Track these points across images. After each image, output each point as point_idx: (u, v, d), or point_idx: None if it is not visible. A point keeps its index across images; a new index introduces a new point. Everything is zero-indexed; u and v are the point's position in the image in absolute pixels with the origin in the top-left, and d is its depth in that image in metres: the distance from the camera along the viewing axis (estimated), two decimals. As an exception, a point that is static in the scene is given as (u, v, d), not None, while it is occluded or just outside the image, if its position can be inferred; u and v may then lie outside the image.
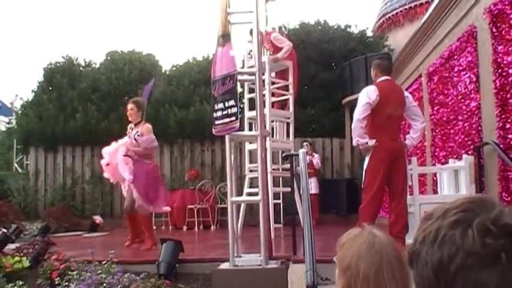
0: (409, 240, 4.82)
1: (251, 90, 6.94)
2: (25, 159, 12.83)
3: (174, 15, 47.28)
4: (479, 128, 5.47)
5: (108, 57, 12.79)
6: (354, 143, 4.90)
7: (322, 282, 3.37)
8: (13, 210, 9.98)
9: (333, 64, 11.86)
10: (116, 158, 6.10)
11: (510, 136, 4.82)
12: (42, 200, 11.56)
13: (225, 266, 4.55)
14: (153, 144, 6.19)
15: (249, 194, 6.75)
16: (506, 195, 4.85)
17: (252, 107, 6.15)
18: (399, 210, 4.72)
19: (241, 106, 7.07)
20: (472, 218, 0.77)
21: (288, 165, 6.56)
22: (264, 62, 6.11)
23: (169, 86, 11.75)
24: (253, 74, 4.78)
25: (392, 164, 4.72)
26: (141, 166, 6.03)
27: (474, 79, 5.59)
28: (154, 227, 7.73)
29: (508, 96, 4.84)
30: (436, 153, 6.96)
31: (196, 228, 9.58)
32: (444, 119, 6.62)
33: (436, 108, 6.95)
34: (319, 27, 12.52)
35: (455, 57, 6.17)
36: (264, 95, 5.77)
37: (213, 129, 4.60)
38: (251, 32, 6.69)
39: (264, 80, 6.21)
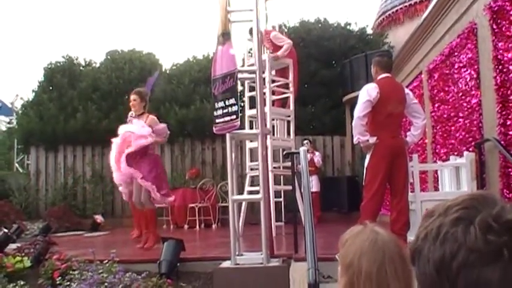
0: (410, 237, 4.82)
1: (251, 89, 6.93)
2: (26, 159, 12.84)
3: (174, 14, 47.26)
4: (480, 124, 5.47)
5: (108, 57, 12.79)
6: (355, 140, 4.89)
7: (324, 280, 3.37)
8: (14, 210, 9.99)
9: (333, 62, 11.84)
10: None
11: (511, 132, 4.81)
12: (43, 199, 11.56)
13: (226, 264, 4.55)
14: (167, 131, 6.32)
15: (250, 192, 6.75)
16: (508, 191, 4.84)
17: (252, 105, 6.15)
18: (400, 208, 4.71)
19: (242, 104, 7.06)
20: (474, 215, 0.77)
21: (288, 163, 6.56)
22: (264, 60, 6.10)
23: (169, 84, 11.74)
24: (253, 72, 4.77)
25: (393, 162, 4.72)
26: (149, 159, 6.02)
27: (475, 76, 5.58)
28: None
29: (509, 92, 4.83)
30: (437, 150, 6.96)
31: (197, 227, 9.58)
32: (445, 116, 6.61)
33: (436, 105, 6.95)
34: (319, 25, 12.50)
35: (456, 54, 6.16)
36: (264, 93, 5.77)
37: (213, 128, 4.59)
38: (251, 32, 6.68)
39: (264, 78, 6.20)
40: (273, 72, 7.59)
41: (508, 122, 4.84)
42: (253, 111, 5.72)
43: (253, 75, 4.78)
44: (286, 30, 11.02)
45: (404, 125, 6.72)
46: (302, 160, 4.74)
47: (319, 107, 11.55)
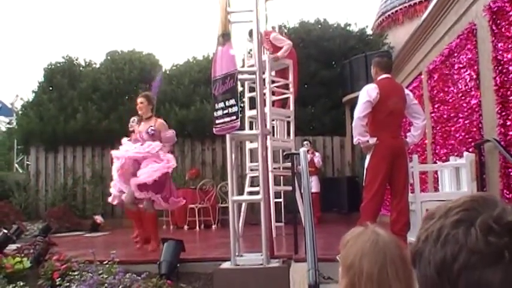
0: (410, 238, 4.82)
1: (251, 89, 6.93)
2: (26, 160, 12.84)
3: (174, 14, 47.27)
4: (480, 125, 5.47)
5: (108, 57, 12.79)
6: (355, 141, 4.89)
7: (324, 281, 3.37)
8: (14, 211, 9.99)
9: (333, 62, 11.85)
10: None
11: (511, 133, 4.81)
12: (43, 200, 11.57)
13: (226, 265, 4.55)
14: (175, 139, 6.39)
15: (250, 193, 6.75)
16: (508, 192, 4.84)
17: (252, 106, 6.15)
18: (400, 208, 4.71)
19: (242, 105, 7.06)
20: (475, 216, 0.77)
21: (288, 164, 6.56)
22: (264, 60, 6.10)
23: (169, 85, 11.75)
24: (253, 73, 4.77)
25: (393, 162, 4.72)
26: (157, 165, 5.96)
27: (474, 76, 5.58)
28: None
29: (509, 93, 4.83)
30: (436, 151, 6.96)
31: (197, 227, 9.58)
32: (445, 116, 6.61)
33: (436, 105, 6.95)
34: (319, 25, 12.52)
35: (455, 54, 6.17)
36: (264, 94, 5.77)
37: (213, 129, 4.59)
38: (250, 34, 6.69)
39: (264, 79, 6.20)
40: (273, 73, 7.60)
41: (508, 123, 4.84)
42: (253, 112, 5.71)
43: (253, 76, 4.78)
44: (286, 30, 11.01)
45: (404, 126, 6.72)
46: (302, 161, 4.75)
47: (319, 108, 11.55)
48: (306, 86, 10.92)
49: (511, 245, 0.73)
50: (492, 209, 0.77)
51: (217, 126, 4.52)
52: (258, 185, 4.88)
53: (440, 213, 0.82)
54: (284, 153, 6.55)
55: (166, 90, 11.52)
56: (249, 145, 7.37)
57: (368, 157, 4.83)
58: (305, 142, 9.70)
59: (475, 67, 5.56)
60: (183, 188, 10.26)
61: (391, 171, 4.72)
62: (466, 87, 5.83)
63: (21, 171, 12.82)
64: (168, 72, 12.51)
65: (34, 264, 4.89)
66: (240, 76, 4.70)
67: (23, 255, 5.03)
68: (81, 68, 12.75)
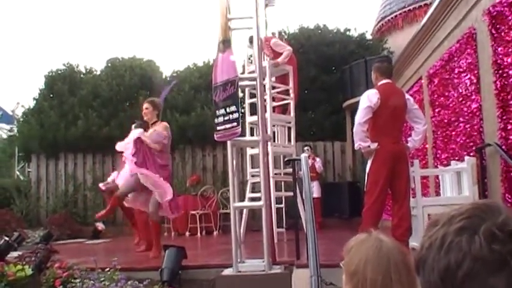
0: (412, 243, 4.82)
1: (252, 95, 6.94)
2: (27, 167, 12.83)
3: (174, 21, 47.40)
4: (481, 129, 5.47)
5: (109, 64, 12.82)
6: (356, 146, 4.89)
7: (327, 287, 3.36)
8: (15, 218, 9.98)
9: (333, 67, 11.87)
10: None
11: (512, 137, 4.82)
12: (44, 207, 11.56)
13: (228, 271, 4.54)
14: (160, 139, 5.94)
15: (252, 199, 6.75)
16: (510, 196, 4.84)
17: (253, 112, 6.15)
18: (402, 213, 4.71)
19: (242, 111, 7.07)
20: (478, 224, 0.77)
21: (289, 170, 6.56)
22: (264, 67, 6.11)
23: (170, 91, 11.76)
24: (254, 79, 4.78)
25: (394, 167, 4.72)
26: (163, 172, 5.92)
27: (475, 81, 5.59)
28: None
29: (509, 97, 4.84)
30: (437, 155, 6.96)
31: (198, 234, 9.57)
32: (445, 120, 6.62)
33: (437, 110, 6.96)
34: (319, 31, 12.55)
35: (455, 59, 6.18)
36: (264, 100, 5.77)
37: (215, 135, 4.59)
38: (251, 40, 6.70)
39: (264, 85, 6.21)
40: (273, 79, 7.61)
41: (509, 127, 4.84)
42: (254, 118, 5.72)
43: (253, 82, 4.79)
44: (285, 36, 11.05)
45: (405, 131, 6.72)
46: (303, 167, 4.74)
47: (319, 113, 11.56)
48: (306, 91, 10.94)
49: (515, 252, 0.73)
50: (496, 217, 0.78)
51: (219, 132, 4.52)
52: (259, 191, 4.87)
53: (444, 221, 0.82)
54: (285, 159, 6.55)
55: (167, 97, 11.52)
56: (249, 151, 7.37)
57: (369, 162, 4.83)
58: (306, 148, 9.70)
59: (475, 71, 5.57)
60: (184, 194, 10.27)
61: (392, 176, 4.72)
62: (467, 91, 5.84)
63: (22, 178, 12.80)
64: (168, 78, 12.54)
65: (36, 272, 4.87)
66: (240, 82, 4.71)
67: (24, 262, 5.02)
68: (81, 75, 12.79)
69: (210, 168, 11.47)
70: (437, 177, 6.66)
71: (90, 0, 43.34)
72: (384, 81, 4.95)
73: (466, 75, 5.83)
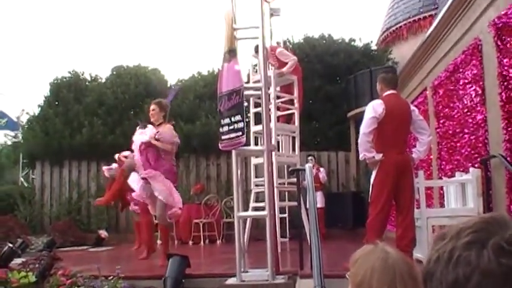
0: (416, 254, 4.80)
1: (256, 105, 6.96)
2: (31, 174, 12.88)
3: (179, 30, 47.67)
4: (486, 141, 5.45)
5: (114, 72, 12.89)
6: (361, 157, 4.89)
7: (330, 298, 3.34)
8: (19, 225, 9.99)
9: (338, 77, 11.90)
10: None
11: (517, 149, 4.80)
12: (48, 214, 11.59)
13: (232, 281, 4.52)
14: (175, 140, 6.08)
15: (255, 209, 6.74)
16: (515, 208, 4.82)
17: (257, 122, 6.16)
18: (406, 224, 4.69)
19: (247, 120, 7.09)
20: (487, 238, 0.77)
21: (293, 179, 6.55)
22: (269, 76, 6.13)
23: (174, 100, 11.79)
24: (259, 88, 4.80)
25: (399, 178, 4.71)
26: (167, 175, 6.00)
27: (480, 92, 5.58)
28: (160, 242, 7.71)
29: (515, 109, 4.83)
30: (442, 167, 6.93)
31: (202, 242, 9.55)
32: (450, 132, 6.60)
33: (442, 121, 6.95)
34: (324, 41, 12.59)
35: (461, 70, 6.18)
36: (269, 109, 5.79)
37: (219, 144, 4.60)
38: (256, 50, 6.73)
39: (269, 94, 6.23)
40: (278, 89, 7.63)
41: (514, 139, 4.82)
42: (259, 127, 5.72)
43: (258, 92, 4.81)
44: (290, 46, 11.09)
45: (410, 142, 6.71)
46: (308, 177, 4.74)
47: (323, 122, 11.57)
48: (310, 101, 10.95)
49: (523, 266, 0.73)
50: (504, 230, 0.78)
51: (223, 142, 4.53)
52: (263, 201, 4.88)
53: (452, 234, 0.83)
54: (290, 169, 6.55)
55: (172, 105, 11.56)
56: (254, 160, 7.38)
57: (374, 173, 4.82)
58: (310, 158, 9.69)
59: (481, 83, 5.56)
60: (188, 203, 10.27)
61: (396, 187, 4.71)
62: (472, 102, 5.83)
63: (26, 185, 12.84)
64: (173, 87, 12.59)
65: (39, 279, 4.87)
66: (245, 92, 4.72)
67: (28, 269, 5.02)
68: (87, 83, 12.86)
69: (214, 177, 11.47)
70: (441, 188, 6.63)
71: (96, 9, 43.65)
72: (389, 92, 4.95)
73: (471, 86, 5.83)
